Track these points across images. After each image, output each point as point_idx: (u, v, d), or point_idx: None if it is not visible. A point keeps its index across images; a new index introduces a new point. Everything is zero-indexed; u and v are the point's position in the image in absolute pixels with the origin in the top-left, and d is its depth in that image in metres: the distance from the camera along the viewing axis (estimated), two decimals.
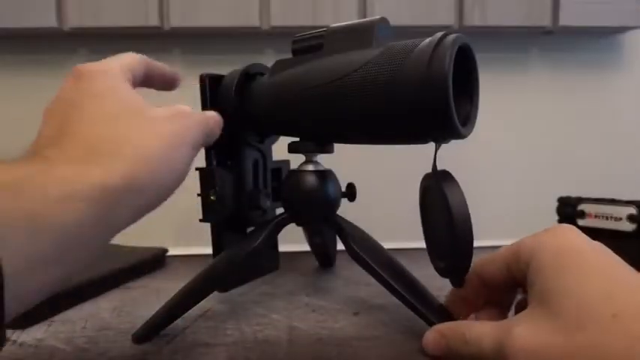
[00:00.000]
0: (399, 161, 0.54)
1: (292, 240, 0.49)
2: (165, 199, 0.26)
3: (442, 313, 0.32)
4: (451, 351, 0.27)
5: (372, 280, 0.44)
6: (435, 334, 0.29)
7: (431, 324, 0.30)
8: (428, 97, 0.27)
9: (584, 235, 0.26)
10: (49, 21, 0.53)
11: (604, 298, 0.22)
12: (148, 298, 0.41)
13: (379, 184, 0.58)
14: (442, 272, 0.31)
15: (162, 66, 0.32)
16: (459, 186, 0.29)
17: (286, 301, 0.40)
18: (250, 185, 0.39)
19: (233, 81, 0.36)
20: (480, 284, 0.30)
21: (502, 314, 0.31)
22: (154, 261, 0.50)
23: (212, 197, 0.35)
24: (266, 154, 0.41)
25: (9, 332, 0.34)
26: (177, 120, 0.27)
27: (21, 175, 0.20)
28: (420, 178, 0.32)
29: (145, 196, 0.24)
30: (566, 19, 0.56)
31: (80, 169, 0.22)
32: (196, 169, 0.36)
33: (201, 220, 0.36)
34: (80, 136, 0.23)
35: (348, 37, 0.32)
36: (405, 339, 0.32)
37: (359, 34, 0.32)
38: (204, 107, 0.36)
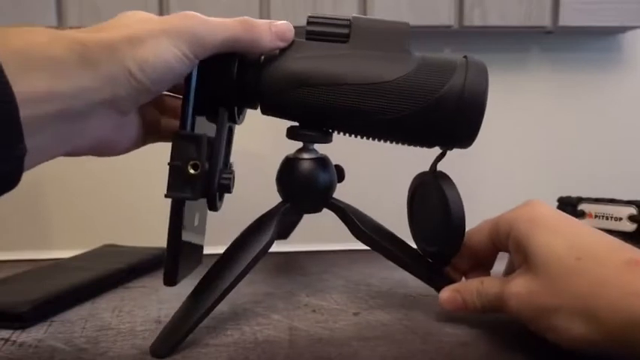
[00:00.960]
0: (389, 157, 0.54)
1: (292, 240, 0.49)
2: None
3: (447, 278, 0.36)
4: (466, 304, 0.32)
5: (372, 280, 0.44)
6: (450, 292, 0.33)
7: (439, 289, 0.35)
8: (464, 117, 0.31)
9: (552, 207, 0.32)
10: (49, 21, 0.53)
11: (568, 247, 0.27)
12: (147, 298, 0.41)
13: (368, 180, 0.58)
14: (430, 254, 0.36)
15: None
16: (455, 186, 0.34)
17: (286, 301, 0.40)
18: (221, 165, 0.33)
19: None
20: (468, 253, 0.35)
21: (486, 274, 0.37)
22: (154, 261, 0.50)
23: (191, 171, 0.30)
24: (233, 133, 0.38)
25: (9, 332, 0.34)
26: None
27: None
28: (408, 174, 0.38)
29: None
30: (566, 19, 0.56)
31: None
32: (173, 133, 0.30)
33: (166, 196, 0.30)
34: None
35: (380, 36, 0.32)
36: (405, 339, 0.32)
37: (391, 37, 0.32)
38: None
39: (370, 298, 0.40)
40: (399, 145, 0.35)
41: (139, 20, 0.28)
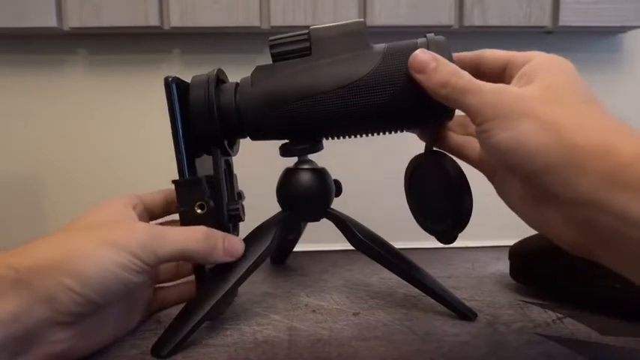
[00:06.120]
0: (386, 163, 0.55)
1: None
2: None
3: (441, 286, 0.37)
4: (434, 71, 0.30)
5: (372, 280, 0.44)
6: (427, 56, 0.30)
7: (441, 301, 0.36)
8: None
9: None
10: (49, 21, 0.53)
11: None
12: None
13: (360, 186, 0.58)
14: (435, 232, 0.35)
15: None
16: (457, 163, 0.33)
17: (286, 301, 0.40)
18: (227, 197, 0.36)
19: (205, 86, 0.33)
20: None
21: None
22: None
23: (199, 211, 0.33)
24: (231, 164, 0.39)
25: None
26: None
27: None
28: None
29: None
30: (566, 19, 0.56)
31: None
32: (173, 182, 0.33)
33: None
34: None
35: (340, 40, 0.33)
36: (405, 339, 0.32)
37: (350, 38, 0.33)
38: (173, 116, 0.32)
39: (370, 298, 0.40)
40: (392, 134, 0.35)
41: (87, 227, 0.30)
